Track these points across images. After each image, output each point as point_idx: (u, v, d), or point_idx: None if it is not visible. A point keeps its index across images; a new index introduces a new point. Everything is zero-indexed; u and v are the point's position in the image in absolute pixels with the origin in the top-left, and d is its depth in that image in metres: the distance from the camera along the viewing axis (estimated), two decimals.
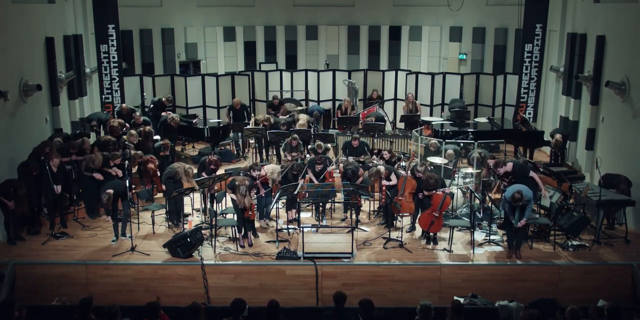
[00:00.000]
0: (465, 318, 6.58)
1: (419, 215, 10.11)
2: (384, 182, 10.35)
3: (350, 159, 11.42)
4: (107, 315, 6.42)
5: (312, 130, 13.20)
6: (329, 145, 12.79)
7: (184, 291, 9.13)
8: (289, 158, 11.31)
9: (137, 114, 13.39)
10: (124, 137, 12.08)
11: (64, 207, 10.79)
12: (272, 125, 13.25)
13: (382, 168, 10.34)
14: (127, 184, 9.88)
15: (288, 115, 14.27)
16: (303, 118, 13.49)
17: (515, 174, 9.75)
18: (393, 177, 10.35)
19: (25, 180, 9.85)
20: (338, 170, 11.57)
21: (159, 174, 11.49)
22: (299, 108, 15.19)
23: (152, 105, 14.48)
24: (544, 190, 10.07)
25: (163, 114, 13.53)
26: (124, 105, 14.12)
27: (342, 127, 14.07)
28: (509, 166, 9.82)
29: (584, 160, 12.69)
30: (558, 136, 12.51)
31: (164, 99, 14.40)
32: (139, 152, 11.48)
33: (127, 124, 12.92)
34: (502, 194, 9.79)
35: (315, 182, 10.69)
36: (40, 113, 11.91)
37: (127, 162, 10.65)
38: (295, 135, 12.12)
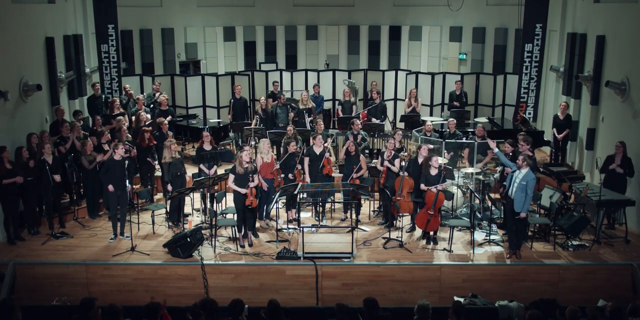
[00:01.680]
0: (465, 318, 6.58)
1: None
2: (386, 163, 10.33)
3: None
4: (108, 315, 6.41)
5: (310, 126, 13.31)
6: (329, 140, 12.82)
7: (184, 291, 9.14)
8: (289, 150, 11.24)
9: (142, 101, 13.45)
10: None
11: (64, 207, 10.80)
12: (271, 113, 13.53)
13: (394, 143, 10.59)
14: (127, 183, 9.89)
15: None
16: (303, 93, 13.91)
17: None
18: (397, 163, 10.32)
19: (24, 179, 9.83)
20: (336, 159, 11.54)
21: (154, 142, 11.63)
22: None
23: (152, 105, 14.47)
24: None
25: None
26: (126, 86, 14.35)
27: (342, 127, 14.06)
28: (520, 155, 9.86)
29: (584, 160, 12.70)
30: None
31: (154, 88, 14.52)
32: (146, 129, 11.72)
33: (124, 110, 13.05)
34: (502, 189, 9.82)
35: (307, 178, 10.68)
36: (40, 113, 11.90)
37: (127, 161, 10.65)
38: (292, 124, 12.25)
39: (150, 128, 11.79)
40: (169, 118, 12.84)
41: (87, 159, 10.60)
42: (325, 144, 11.08)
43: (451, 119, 12.42)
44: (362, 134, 12.23)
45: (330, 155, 11.07)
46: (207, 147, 11.09)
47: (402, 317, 7.21)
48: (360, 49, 18.59)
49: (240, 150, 9.96)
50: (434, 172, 9.77)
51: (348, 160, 10.81)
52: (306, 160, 10.78)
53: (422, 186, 9.80)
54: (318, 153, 10.76)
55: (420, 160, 10.08)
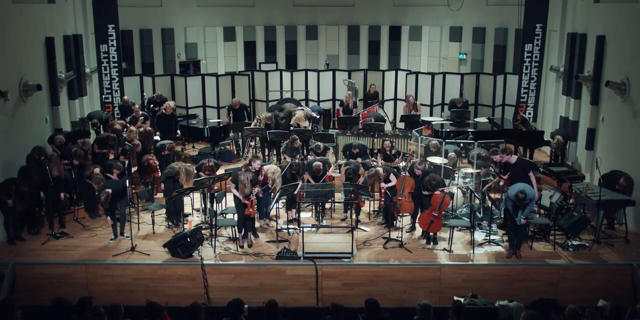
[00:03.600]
0: (465, 318, 6.58)
1: (418, 215, 10.11)
2: (383, 185, 10.35)
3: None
4: (109, 315, 6.42)
5: (311, 127, 13.26)
6: (328, 145, 12.81)
7: (184, 291, 9.14)
8: (289, 160, 11.26)
9: (136, 106, 13.36)
10: (124, 134, 12.08)
11: (64, 207, 10.80)
12: (276, 125, 13.30)
13: (380, 169, 10.38)
14: (127, 184, 9.88)
15: (286, 110, 14.34)
16: (300, 113, 13.58)
17: (517, 168, 9.71)
18: (392, 177, 10.36)
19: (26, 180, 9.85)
20: (339, 172, 11.50)
21: (159, 173, 11.48)
22: (300, 108, 15.19)
23: (151, 105, 14.50)
24: (537, 191, 9.97)
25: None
26: (125, 97, 14.25)
27: (342, 127, 14.07)
28: (514, 158, 9.79)
29: (584, 160, 12.69)
30: (559, 137, 12.60)
31: (155, 96, 14.60)
32: (136, 141, 11.42)
33: (127, 124, 12.91)
34: (503, 193, 9.77)
35: (312, 180, 10.67)
36: (40, 113, 11.91)
37: (127, 161, 10.65)
38: (296, 136, 12.13)
39: (153, 157, 11.66)
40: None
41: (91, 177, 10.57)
42: (330, 173, 10.99)
43: (451, 153, 11.77)
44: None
45: (330, 168, 11.12)
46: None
47: (402, 317, 7.22)
48: (360, 49, 18.59)
49: (244, 170, 9.84)
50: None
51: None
52: (307, 175, 10.78)
53: (425, 192, 9.80)
54: (317, 175, 10.72)
55: (417, 172, 10.06)
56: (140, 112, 13.45)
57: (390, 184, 10.32)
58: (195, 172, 10.89)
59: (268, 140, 13.19)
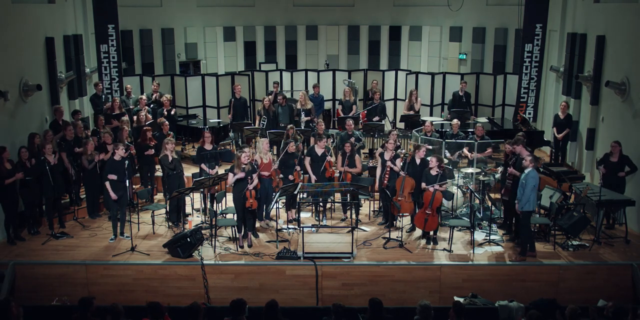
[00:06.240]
0: (465, 318, 6.58)
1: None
2: (389, 164, 10.31)
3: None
4: (111, 314, 6.42)
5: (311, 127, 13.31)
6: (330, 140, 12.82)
7: (184, 291, 9.14)
8: (288, 150, 11.17)
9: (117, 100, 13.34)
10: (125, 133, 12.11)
11: (64, 207, 10.80)
12: (274, 113, 13.48)
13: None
14: (127, 184, 9.88)
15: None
16: (301, 93, 13.81)
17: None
18: (398, 162, 10.31)
19: (24, 180, 9.83)
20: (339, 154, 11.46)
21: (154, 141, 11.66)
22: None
23: (152, 105, 14.48)
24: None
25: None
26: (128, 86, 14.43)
27: (342, 127, 14.05)
28: (524, 152, 9.80)
29: (584, 160, 12.70)
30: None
31: (152, 89, 14.58)
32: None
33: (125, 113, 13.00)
34: (503, 195, 9.81)
35: (312, 175, 10.65)
36: (40, 113, 11.91)
37: (127, 162, 10.65)
38: (292, 125, 12.23)
39: (150, 128, 11.80)
40: (173, 111, 12.90)
41: (87, 159, 10.60)
42: (326, 143, 11.00)
43: (455, 121, 12.38)
44: (356, 134, 12.18)
45: (331, 157, 11.05)
46: (208, 146, 11.08)
47: (402, 317, 7.22)
48: (360, 49, 18.58)
49: (240, 151, 9.94)
50: (433, 172, 9.77)
51: (343, 159, 10.80)
52: (307, 160, 10.77)
53: (423, 185, 9.80)
54: (320, 154, 10.74)
55: (417, 160, 10.07)
56: (145, 107, 13.48)
57: (395, 167, 10.27)
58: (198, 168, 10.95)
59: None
